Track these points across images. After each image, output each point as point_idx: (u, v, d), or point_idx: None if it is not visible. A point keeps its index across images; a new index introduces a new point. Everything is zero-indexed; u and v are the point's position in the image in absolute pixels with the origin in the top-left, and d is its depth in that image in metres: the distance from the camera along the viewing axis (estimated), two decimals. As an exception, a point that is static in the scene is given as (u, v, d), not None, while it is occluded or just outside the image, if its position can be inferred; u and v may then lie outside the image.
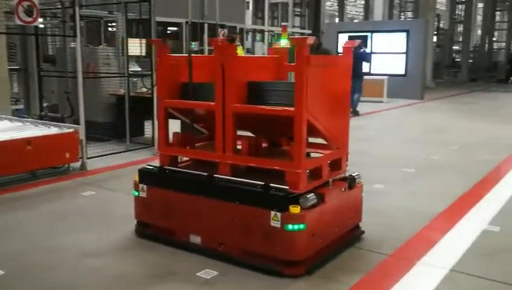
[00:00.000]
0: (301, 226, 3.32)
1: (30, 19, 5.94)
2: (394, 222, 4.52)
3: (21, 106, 9.76)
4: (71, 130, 6.20)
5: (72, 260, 3.68)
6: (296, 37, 3.56)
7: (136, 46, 8.09)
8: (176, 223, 3.89)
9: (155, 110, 7.30)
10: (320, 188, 3.59)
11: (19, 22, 5.90)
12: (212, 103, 3.70)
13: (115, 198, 5.26)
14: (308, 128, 3.40)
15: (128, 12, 7.83)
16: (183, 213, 3.84)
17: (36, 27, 7.08)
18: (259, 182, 3.48)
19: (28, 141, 5.69)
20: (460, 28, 34.81)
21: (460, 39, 32.86)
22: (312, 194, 3.44)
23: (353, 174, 4.01)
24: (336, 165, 3.92)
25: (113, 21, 10.31)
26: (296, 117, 3.34)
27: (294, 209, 3.30)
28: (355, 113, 12.39)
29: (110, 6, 9.03)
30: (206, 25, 13.36)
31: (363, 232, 4.14)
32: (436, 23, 30.52)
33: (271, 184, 3.44)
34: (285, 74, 4.49)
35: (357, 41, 12.81)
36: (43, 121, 6.91)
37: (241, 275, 3.39)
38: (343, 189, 3.82)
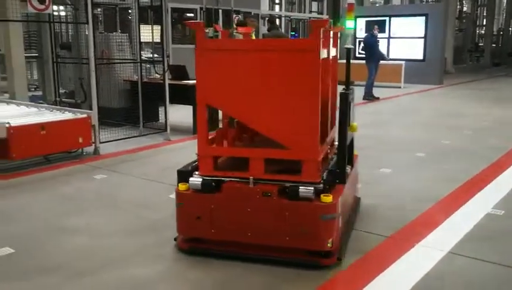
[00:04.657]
0: (180, 203, 3.48)
1: (43, 6, 6.07)
2: (396, 205, 4.54)
3: (40, 93, 10.00)
4: (84, 115, 6.35)
5: (82, 239, 3.81)
6: (192, 21, 3.48)
7: (149, 33, 8.18)
8: None
9: (166, 95, 7.45)
10: (231, 182, 3.37)
11: (31, 10, 6.03)
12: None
13: (126, 182, 5.39)
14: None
15: (140, -1, 7.92)
16: None
17: (50, 14, 7.21)
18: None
19: (42, 126, 5.85)
20: (485, 12, 33.98)
21: (484, 23, 32.12)
22: (200, 178, 3.41)
23: (306, 188, 3.22)
24: (297, 168, 3.29)
25: (129, 8, 10.43)
26: (197, 100, 3.41)
27: (182, 186, 3.46)
28: (372, 98, 12.35)
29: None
30: (220, 11, 13.37)
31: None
32: (458, 6, 29.86)
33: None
34: None
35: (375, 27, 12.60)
36: (58, 107, 7.08)
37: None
38: (264, 193, 3.27)
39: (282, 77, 3.22)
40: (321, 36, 3.15)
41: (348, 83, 3.55)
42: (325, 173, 3.40)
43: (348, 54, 3.51)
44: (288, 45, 3.45)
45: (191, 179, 3.45)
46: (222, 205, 3.38)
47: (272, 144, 3.37)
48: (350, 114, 3.56)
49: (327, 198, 3.20)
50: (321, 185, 3.25)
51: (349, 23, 3.46)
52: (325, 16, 21.45)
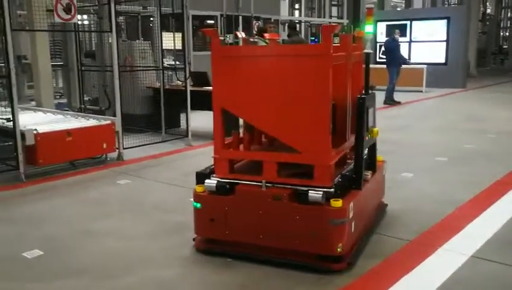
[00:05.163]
0: (197, 204, 3.58)
1: (68, 16, 6.22)
2: (419, 209, 4.52)
3: (65, 100, 10.23)
4: (108, 122, 6.48)
5: (107, 242, 3.91)
6: (208, 29, 3.57)
7: (171, 40, 8.30)
8: None
9: (188, 102, 7.56)
10: (244, 185, 3.47)
11: (57, 20, 6.20)
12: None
13: (149, 186, 5.49)
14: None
15: (162, 6, 8.04)
16: None
17: (75, 24, 7.39)
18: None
19: (68, 132, 6.00)
20: (509, 14, 33.45)
21: (508, 25, 31.61)
22: (215, 180, 3.51)
23: (315, 192, 3.23)
24: (305, 172, 3.33)
25: (151, 16, 10.60)
26: (213, 105, 3.53)
27: (199, 188, 3.58)
28: (393, 102, 12.28)
29: (148, 1, 9.32)
30: (240, 18, 13.50)
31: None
32: (482, 8, 29.45)
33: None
34: None
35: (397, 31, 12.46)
36: (83, 114, 7.25)
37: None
38: (275, 197, 3.32)
39: (294, 81, 3.28)
40: (332, 41, 3.18)
41: (367, 88, 3.57)
42: (337, 178, 3.41)
43: (367, 58, 3.53)
44: (299, 50, 3.52)
45: (206, 181, 3.55)
46: (235, 207, 3.47)
47: (289, 148, 3.42)
48: (368, 119, 3.57)
49: (337, 203, 3.20)
50: (332, 190, 3.26)
51: (368, 28, 3.48)
52: (345, 21, 21.40)
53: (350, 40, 3.65)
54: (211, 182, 3.53)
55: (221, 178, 3.53)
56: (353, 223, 3.37)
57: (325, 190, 3.24)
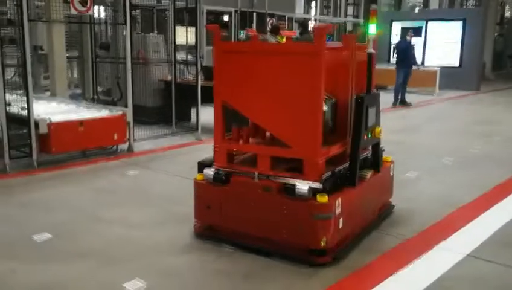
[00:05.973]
0: (196, 191, 3.79)
1: (84, 9, 6.37)
2: (419, 208, 4.59)
3: (79, 91, 10.40)
4: (120, 113, 6.61)
5: (114, 229, 4.05)
6: (211, 25, 3.69)
7: (184, 34, 8.41)
8: None
9: (199, 96, 7.67)
10: (238, 176, 3.62)
11: (74, 12, 6.35)
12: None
13: (157, 178, 5.61)
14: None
15: (177, 1, 8.16)
16: None
17: (91, 16, 7.53)
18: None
19: (80, 122, 6.15)
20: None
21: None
22: (213, 169, 3.67)
23: (301, 186, 3.32)
24: (298, 167, 3.42)
25: (166, 10, 10.71)
26: (214, 98, 3.70)
27: (199, 176, 3.77)
28: (403, 103, 12.27)
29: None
30: (254, 14, 13.57)
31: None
32: (500, 11, 29.09)
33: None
34: None
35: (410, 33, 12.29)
36: (96, 104, 7.39)
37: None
38: (265, 188, 3.46)
39: (287, 78, 3.40)
40: (324, 40, 3.26)
41: (369, 87, 3.64)
42: (328, 174, 3.47)
43: (370, 58, 3.60)
44: (293, 48, 3.64)
45: (205, 170, 3.72)
46: (230, 196, 3.64)
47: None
48: (368, 118, 3.64)
49: (323, 198, 3.27)
50: (319, 185, 3.33)
51: (371, 29, 3.56)
52: (361, 20, 21.33)
53: (354, 39, 3.72)
54: (209, 171, 3.69)
55: (219, 168, 3.68)
56: (341, 219, 3.43)
57: (312, 184, 3.33)
